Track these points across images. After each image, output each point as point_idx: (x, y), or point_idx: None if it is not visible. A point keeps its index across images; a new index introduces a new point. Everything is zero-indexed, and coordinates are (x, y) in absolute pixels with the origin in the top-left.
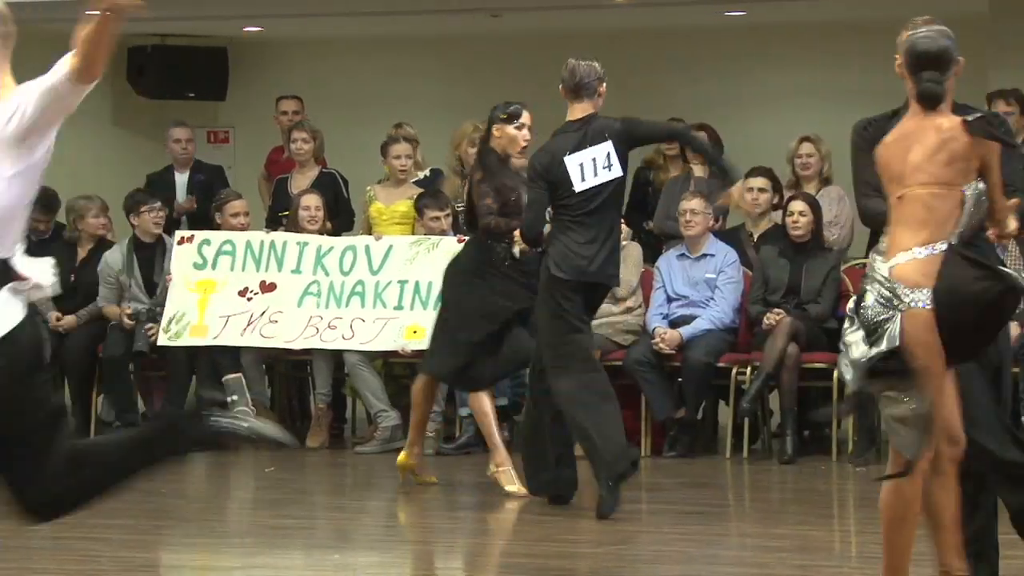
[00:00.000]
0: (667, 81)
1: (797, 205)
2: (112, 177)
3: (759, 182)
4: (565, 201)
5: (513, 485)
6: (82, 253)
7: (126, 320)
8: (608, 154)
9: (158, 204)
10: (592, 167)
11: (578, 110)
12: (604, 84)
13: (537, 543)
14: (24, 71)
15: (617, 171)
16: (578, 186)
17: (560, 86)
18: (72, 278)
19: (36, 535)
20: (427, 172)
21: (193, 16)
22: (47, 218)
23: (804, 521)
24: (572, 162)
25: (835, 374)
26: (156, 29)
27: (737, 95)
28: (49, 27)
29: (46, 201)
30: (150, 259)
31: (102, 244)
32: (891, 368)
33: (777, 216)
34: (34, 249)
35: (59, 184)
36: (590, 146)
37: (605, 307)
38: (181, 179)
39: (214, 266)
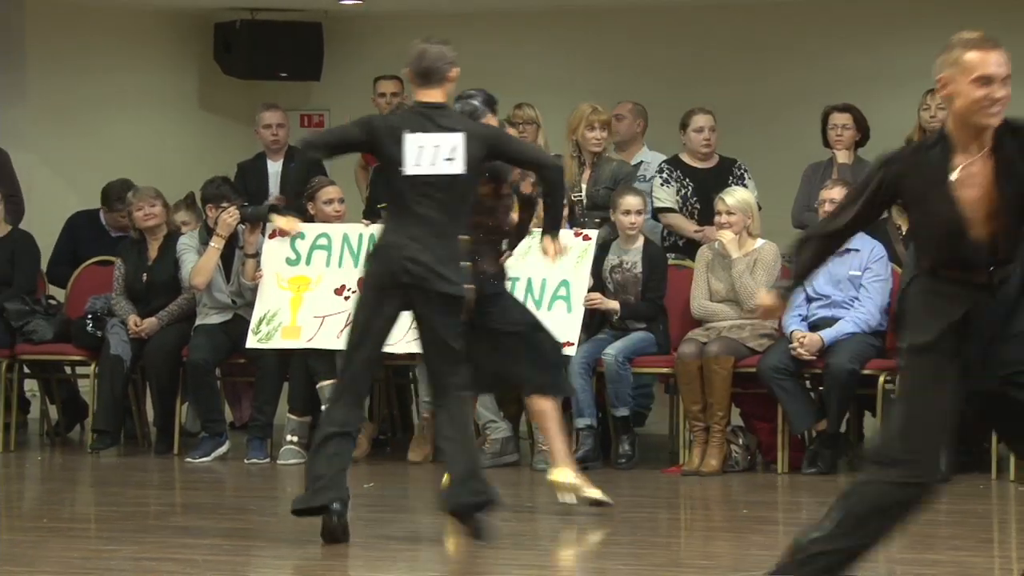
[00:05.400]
0: (805, 53)
1: None
2: (198, 165)
3: None
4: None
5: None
6: (152, 252)
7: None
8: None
9: (239, 201)
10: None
11: (426, 96)
12: (456, 69)
13: (665, 567)
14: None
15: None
16: (409, 168)
17: (406, 68)
18: (145, 278)
19: (116, 556)
20: None
21: None
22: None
23: (961, 546)
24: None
25: None
26: (245, 3)
27: (880, 71)
28: None
29: (121, 194)
30: (228, 249)
31: (171, 239)
32: None
33: None
34: (109, 244)
35: (140, 174)
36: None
37: (735, 310)
38: (274, 168)
39: (308, 261)
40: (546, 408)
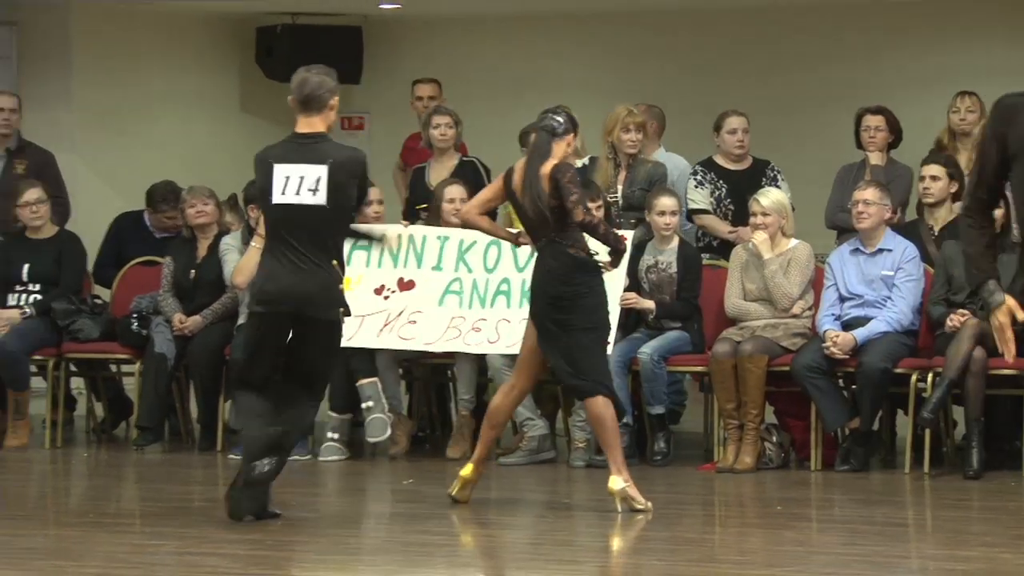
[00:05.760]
0: (832, 56)
1: None
2: (240, 167)
3: (933, 169)
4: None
5: (641, 503)
6: (202, 251)
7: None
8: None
9: None
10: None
11: (306, 124)
12: (336, 98)
13: (700, 563)
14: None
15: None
16: (276, 198)
17: (290, 96)
18: (193, 275)
19: (161, 550)
20: (586, 160)
21: None
22: (175, 214)
23: (993, 543)
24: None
25: None
26: (286, 7)
27: (907, 73)
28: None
29: (165, 195)
30: None
31: (221, 239)
32: None
33: (959, 207)
34: (154, 245)
35: (183, 175)
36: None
37: (769, 310)
38: None
39: (348, 261)
40: (604, 417)
